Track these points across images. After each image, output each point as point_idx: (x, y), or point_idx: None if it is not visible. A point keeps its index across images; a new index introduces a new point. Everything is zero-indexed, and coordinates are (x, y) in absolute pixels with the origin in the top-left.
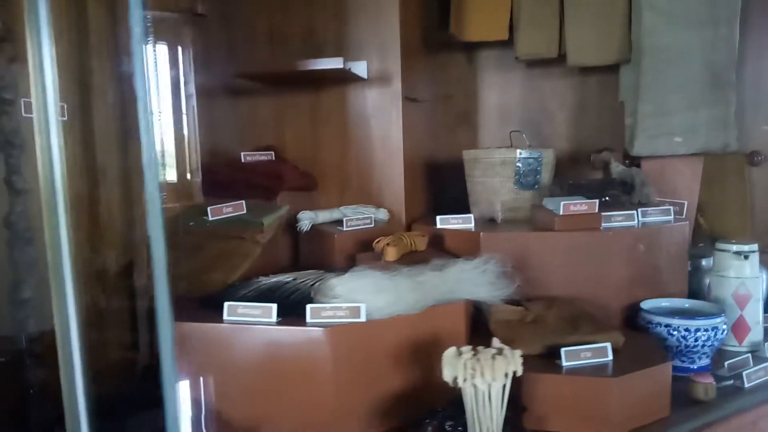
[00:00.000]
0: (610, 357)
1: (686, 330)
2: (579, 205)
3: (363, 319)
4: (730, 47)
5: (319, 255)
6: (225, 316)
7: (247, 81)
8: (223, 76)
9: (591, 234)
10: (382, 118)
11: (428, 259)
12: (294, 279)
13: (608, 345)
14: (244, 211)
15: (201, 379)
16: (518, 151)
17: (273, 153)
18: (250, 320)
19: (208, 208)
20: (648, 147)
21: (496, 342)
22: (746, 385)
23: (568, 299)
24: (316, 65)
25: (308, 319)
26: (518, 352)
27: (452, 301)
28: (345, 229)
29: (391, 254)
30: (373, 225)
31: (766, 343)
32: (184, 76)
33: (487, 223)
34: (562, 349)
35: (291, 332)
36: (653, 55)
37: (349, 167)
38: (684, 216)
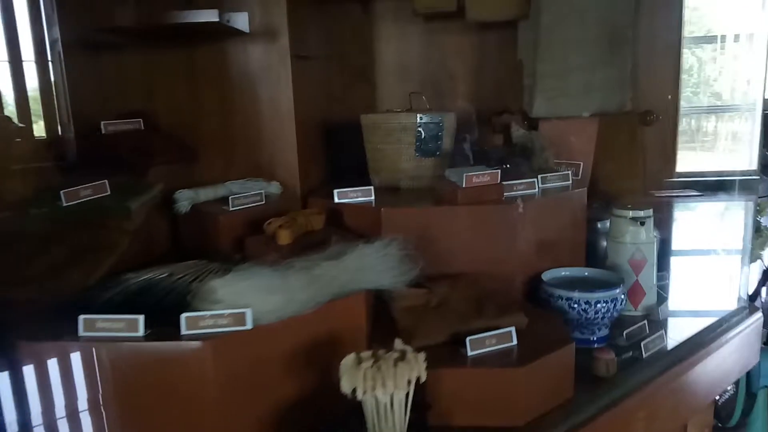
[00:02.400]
0: (515, 342)
1: (586, 303)
2: (482, 176)
3: (249, 326)
4: (627, 3)
5: (202, 241)
6: (81, 332)
7: (109, 35)
8: (82, 28)
9: (494, 206)
10: (269, 79)
11: (327, 240)
12: (170, 274)
13: (512, 330)
14: (107, 193)
15: (58, 410)
16: (418, 115)
17: (141, 121)
18: (113, 335)
19: (61, 192)
20: (547, 108)
21: (398, 344)
22: (645, 355)
23: (472, 277)
24: (187, 18)
25: (183, 331)
26: (422, 357)
27: (353, 292)
28: (231, 208)
29: (284, 237)
30: (264, 202)
31: (659, 307)
32: (46, 17)
33: (390, 192)
34: (468, 339)
35: (163, 348)
36: (551, 11)
37: (234, 136)
38: (580, 177)
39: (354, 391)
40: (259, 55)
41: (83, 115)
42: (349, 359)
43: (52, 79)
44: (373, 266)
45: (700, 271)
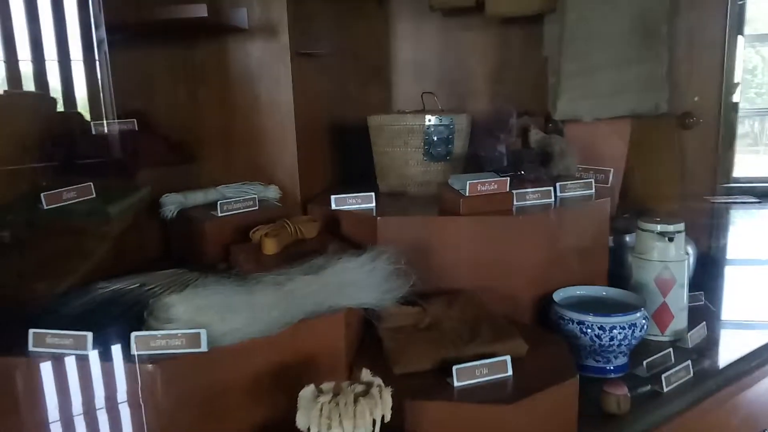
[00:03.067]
0: (510, 372)
1: (600, 328)
2: (488, 184)
3: (204, 348)
4: None
5: (188, 248)
6: (30, 347)
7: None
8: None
9: (501, 218)
10: (268, 77)
11: (317, 251)
12: (141, 285)
13: (507, 359)
14: (92, 196)
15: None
16: (427, 117)
17: (135, 121)
18: (62, 351)
19: (42, 194)
20: (571, 109)
21: (366, 374)
22: (665, 389)
23: (471, 295)
24: (175, 13)
25: (133, 351)
26: (388, 392)
27: (332, 310)
28: (220, 214)
29: (269, 247)
30: (257, 207)
31: (689, 333)
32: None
33: (394, 199)
34: (454, 368)
35: (111, 368)
36: (578, 3)
37: (233, 137)
38: (609, 185)
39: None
40: (258, 53)
41: (73, 114)
42: (307, 391)
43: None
44: (356, 282)
45: (755, 284)
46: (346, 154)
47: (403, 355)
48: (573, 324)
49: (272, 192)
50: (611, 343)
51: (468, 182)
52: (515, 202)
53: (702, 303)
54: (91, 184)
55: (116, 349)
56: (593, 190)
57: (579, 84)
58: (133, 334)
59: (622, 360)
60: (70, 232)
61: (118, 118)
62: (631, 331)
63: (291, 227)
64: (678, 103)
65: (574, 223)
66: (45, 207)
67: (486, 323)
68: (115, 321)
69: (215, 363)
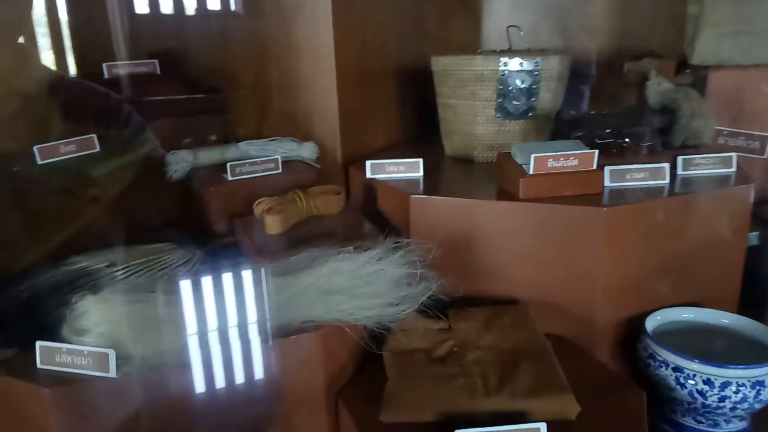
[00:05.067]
0: None
1: (707, 383)
2: (564, 158)
3: (112, 373)
4: None
5: (194, 216)
6: None
7: None
8: None
9: (580, 208)
10: (304, 9)
11: (336, 232)
12: (110, 264)
13: (542, 427)
14: (96, 150)
15: None
16: (501, 59)
17: (156, 63)
18: None
19: (35, 148)
20: (716, 52)
21: None
22: None
23: (520, 312)
24: None
25: (39, 364)
26: None
27: (312, 326)
28: (231, 177)
29: (272, 225)
30: (279, 171)
31: None
32: None
33: (455, 169)
34: None
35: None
36: None
37: (268, 81)
38: (766, 156)
39: None
40: None
41: (89, 54)
42: None
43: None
44: (350, 288)
45: None
46: (419, 108)
47: (397, 397)
48: (666, 369)
49: (307, 150)
50: (721, 404)
51: (533, 155)
52: (607, 184)
53: None
54: (94, 136)
55: (27, 358)
56: (734, 169)
57: (730, 15)
58: (39, 344)
59: (738, 425)
60: (53, 194)
61: (138, 59)
62: (755, 391)
63: (302, 201)
64: None
65: (696, 218)
66: (39, 162)
67: (528, 361)
68: (48, 314)
69: (127, 395)
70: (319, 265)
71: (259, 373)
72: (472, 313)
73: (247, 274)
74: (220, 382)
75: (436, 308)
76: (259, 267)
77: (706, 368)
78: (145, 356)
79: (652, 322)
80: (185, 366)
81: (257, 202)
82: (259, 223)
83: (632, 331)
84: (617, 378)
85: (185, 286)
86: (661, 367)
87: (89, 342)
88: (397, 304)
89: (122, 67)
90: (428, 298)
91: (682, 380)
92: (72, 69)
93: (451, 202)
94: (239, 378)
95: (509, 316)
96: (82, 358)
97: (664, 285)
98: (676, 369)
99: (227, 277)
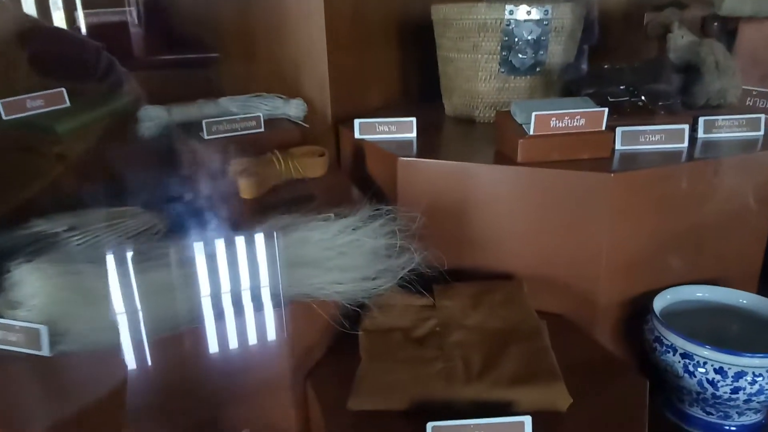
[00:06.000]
0: None
1: (719, 372)
2: (569, 118)
3: (45, 351)
4: None
5: (167, 177)
6: None
7: None
8: None
9: (584, 173)
10: None
11: (316, 197)
12: (70, 228)
13: (526, 422)
14: (66, 105)
15: None
16: (507, 7)
17: (133, 11)
18: None
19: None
20: (747, 2)
21: None
22: None
23: (512, 288)
24: None
25: None
26: None
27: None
28: (207, 136)
29: (246, 189)
30: (262, 129)
31: None
32: None
33: (453, 129)
34: (430, 426)
35: None
36: None
37: (255, 32)
38: None
39: None
40: None
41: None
42: None
43: None
44: (319, 260)
45: None
46: (421, 63)
47: (367, 383)
48: (673, 354)
49: (294, 108)
50: (734, 396)
51: (534, 113)
52: (618, 147)
53: None
54: (63, 90)
55: None
56: (761, 132)
57: None
58: None
59: (753, 418)
60: (14, 152)
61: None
62: None
63: (281, 163)
64: None
65: (717, 186)
66: (4, 117)
67: (517, 343)
68: None
69: (63, 374)
70: (287, 234)
71: (216, 353)
72: (459, 289)
73: (206, 244)
74: (168, 363)
75: (420, 283)
76: (221, 236)
77: (718, 355)
78: (80, 333)
79: (661, 302)
80: (128, 345)
81: (232, 162)
82: (234, 186)
83: (639, 311)
84: (618, 363)
85: (136, 256)
86: (669, 352)
87: (22, 316)
88: (374, 278)
89: (98, 16)
90: (411, 271)
91: (691, 368)
92: (50, 16)
93: (442, 166)
94: (192, 359)
95: (501, 293)
96: (13, 334)
97: (676, 260)
98: (685, 355)
99: (184, 247)
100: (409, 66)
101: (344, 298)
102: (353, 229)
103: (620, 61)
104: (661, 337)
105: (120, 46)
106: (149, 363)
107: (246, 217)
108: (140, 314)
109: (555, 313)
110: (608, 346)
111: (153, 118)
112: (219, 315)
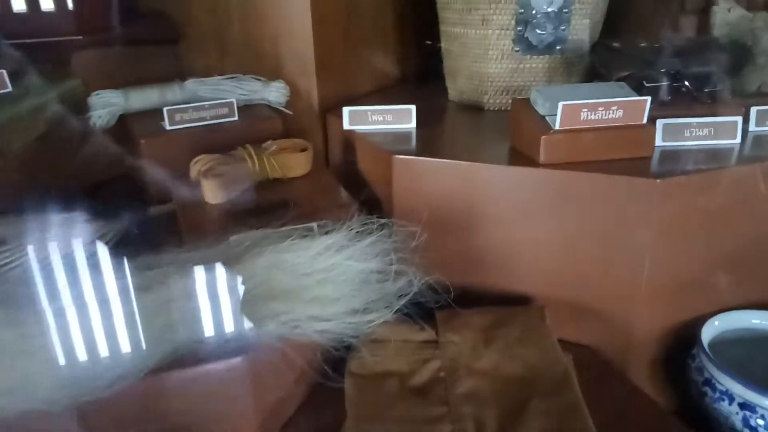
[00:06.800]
0: None
1: None
2: (603, 108)
3: None
4: None
5: (122, 176)
6: None
7: None
8: None
9: (621, 178)
10: None
11: (296, 203)
12: None
13: None
14: (8, 89)
15: None
16: None
17: None
18: None
19: None
20: None
21: None
22: None
23: (532, 316)
24: None
25: None
26: None
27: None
28: (170, 126)
29: (211, 192)
30: (236, 118)
31: None
32: None
33: (460, 119)
34: None
35: None
36: None
37: (228, 3)
38: None
39: None
40: None
41: None
42: None
43: None
44: (294, 290)
45: None
46: (424, 39)
47: None
48: (729, 403)
49: (274, 92)
50: None
51: (561, 103)
52: (659, 143)
53: None
54: (4, 72)
55: None
56: None
57: None
58: None
59: None
60: None
61: None
62: None
63: (254, 160)
64: None
65: None
66: None
67: (542, 397)
68: None
69: None
70: (253, 256)
71: (162, 411)
72: (468, 319)
73: (143, 270)
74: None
75: (421, 311)
76: (166, 258)
77: None
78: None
79: (709, 331)
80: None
81: (194, 160)
82: (197, 189)
83: (684, 342)
84: (658, 413)
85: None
86: (723, 399)
87: None
88: (364, 310)
89: None
90: (409, 300)
91: (753, 422)
92: None
93: (447, 166)
94: (131, 423)
95: (518, 325)
96: None
97: (728, 281)
98: (745, 406)
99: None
100: (408, 43)
101: (326, 338)
102: (338, 250)
103: (655, 40)
104: (713, 380)
105: (65, 18)
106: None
107: (209, 229)
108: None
109: (582, 344)
110: (646, 388)
111: (106, 105)
112: (164, 365)
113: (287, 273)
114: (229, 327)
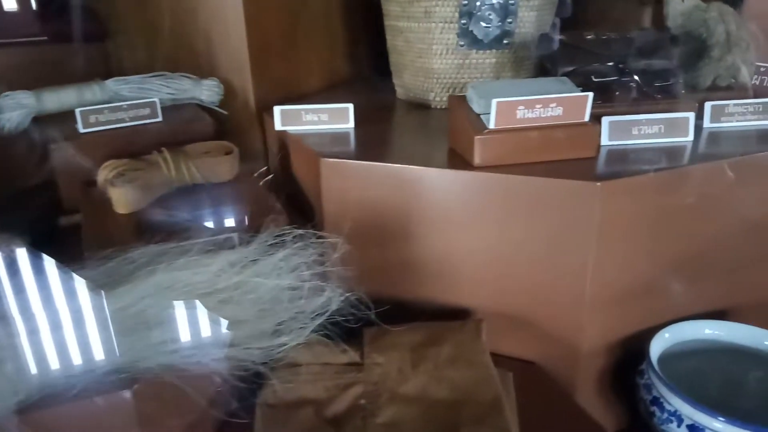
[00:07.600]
0: None
1: None
2: (541, 105)
3: None
4: None
5: (32, 184)
6: None
7: None
8: None
9: (563, 182)
10: None
11: (214, 212)
12: None
13: None
14: None
15: None
16: None
17: None
18: None
19: None
20: None
21: None
22: None
23: (465, 334)
24: None
25: None
26: None
27: (121, 379)
28: (84, 129)
29: (120, 201)
30: (160, 119)
31: None
32: None
33: (404, 118)
34: None
35: None
36: None
37: (158, 3)
38: None
39: None
40: None
41: None
42: None
43: None
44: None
45: None
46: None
47: None
48: (678, 425)
49: (206, 91)
50: None
51: (495, 100)
52: (605, 142)
53: None
54: None
55: None
56: None
57: None
58: None
59: None
60: None
61: None
62: None
63: (169, 165)
64: None
65: (729, 193)
66: None
67: (471, 425)
68: None
69: None
70: (146, 274)
71: None
72: (398, 338)
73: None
74: None
75: (346, 331)
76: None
77: (730, 428)
78: None
79: (659, 344)
80: None
81: (103, 166)
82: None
83: (632, 355)
84: None
85: None
86: (671, 421)
87: None
88: (274, 333)
89: None
90: (330, 318)
91: None
92: None
93: (379, 170)
94: None
95: (450, 343)
96: None
97: (680, 289)
98: (694, 428)
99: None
100: (358, 37)
101: (228, 367)
102: (244, 266)
103: (604, 31)
104: (661, 399)
105: None
106: None
107: (115, 242)
108: None
109: (527, 359)
110: (594, 406)
111: (16, 107)
112: (28, 404)
113: (182, 293)
114: (101, 359)
